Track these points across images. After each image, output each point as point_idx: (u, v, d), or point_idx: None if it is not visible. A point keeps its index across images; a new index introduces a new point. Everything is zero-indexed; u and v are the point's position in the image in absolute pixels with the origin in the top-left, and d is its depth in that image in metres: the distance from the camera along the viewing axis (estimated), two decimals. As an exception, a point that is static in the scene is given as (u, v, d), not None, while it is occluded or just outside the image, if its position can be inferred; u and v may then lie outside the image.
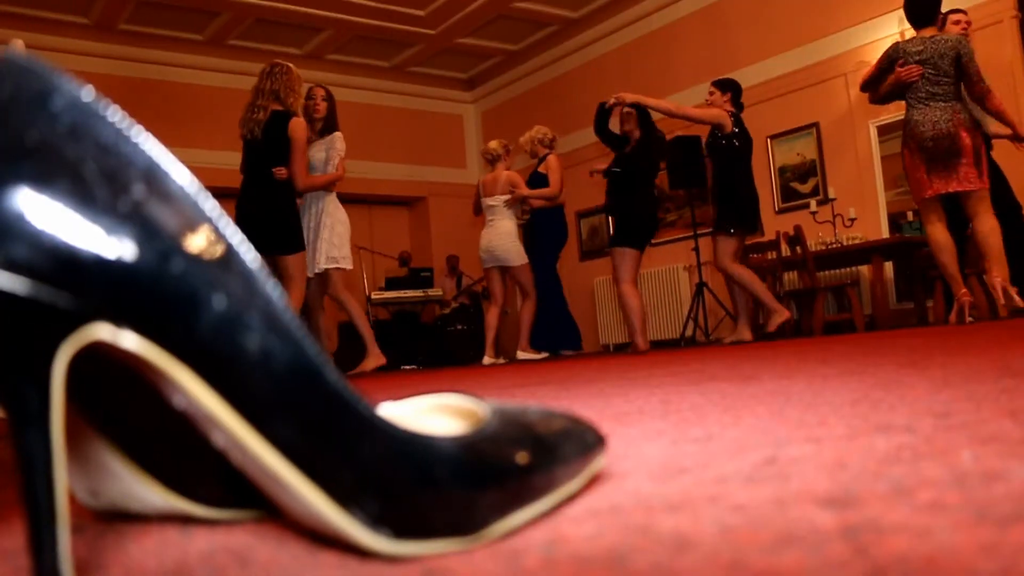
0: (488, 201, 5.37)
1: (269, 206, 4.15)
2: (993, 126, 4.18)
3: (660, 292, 7.71)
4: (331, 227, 4.39)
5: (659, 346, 7.34)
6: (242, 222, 4.28)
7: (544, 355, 5.38)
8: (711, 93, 4.91)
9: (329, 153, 4.40)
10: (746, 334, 4.75)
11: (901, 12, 6.00)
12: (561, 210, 5.55)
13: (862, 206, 6.33)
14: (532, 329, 5.41)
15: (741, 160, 4.74)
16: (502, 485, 0.35)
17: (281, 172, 4.11)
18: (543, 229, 5.46)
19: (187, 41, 8.10)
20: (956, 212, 4.05)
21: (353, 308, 4.43)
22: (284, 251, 4.11)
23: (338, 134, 4.48)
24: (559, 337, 5.49)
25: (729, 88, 4.90)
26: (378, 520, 0.31)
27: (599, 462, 0.45)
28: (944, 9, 4.33)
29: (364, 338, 4.49)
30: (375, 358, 4.49)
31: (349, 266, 4.45)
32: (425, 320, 8.55)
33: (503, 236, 5.35)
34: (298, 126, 4.11)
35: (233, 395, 0.29)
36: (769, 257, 5.91)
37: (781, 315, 4.66)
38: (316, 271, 4.43)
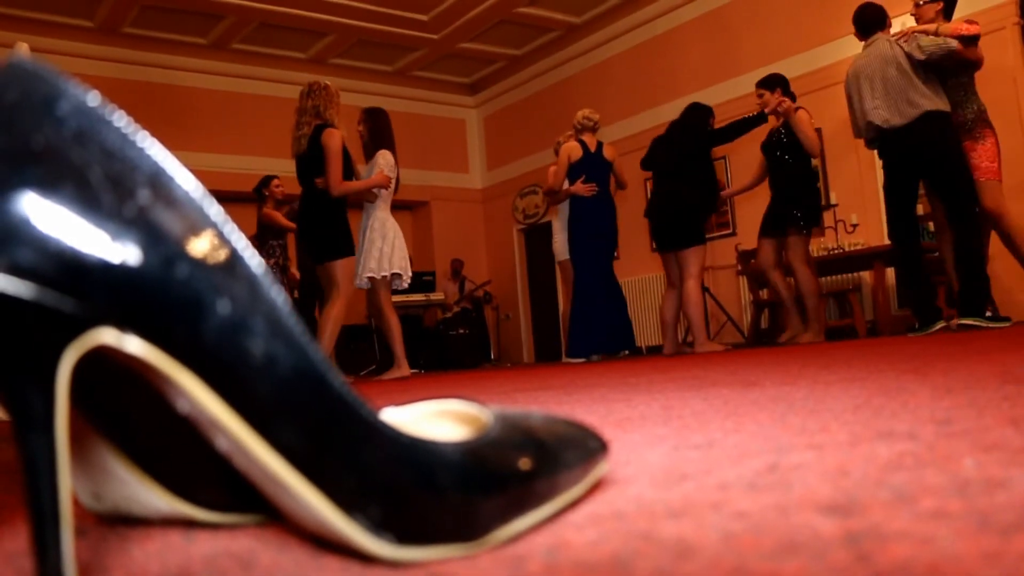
0: None
1: (315, 215, 4.37)
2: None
3: (662, 296, 7.71)
4: (371, 241, 4.50)
5: (660, 350, 7.34)
6: (299, 234, 4.61)
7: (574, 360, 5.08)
8: (760, 95, 4.82)
9: (372, 170, 4.51)
10: (811, 335, 4.63)
11: (903, 18, 6.02)
12: (581, 203, 5.01)
13: (864, 212, 6.33)
14: (570, 331, 5.14)
15: (803, 155, 4.67)
16: (505, 491, 0.35)
17: (320, 181, 4.29)
18: (569, 225, 5.16)
19: (191, 45, 8.12)
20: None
21: (389, 322, 4.54)
22: (328, 257, 4.32)
23: (382, 151, 4.55)
24: (580, 340, 5.04)
25: (778, 84, 4.83)
26: (381, 525, 0.31)
27: (602, 468, 0.45)
28: (957, 13, 4.31)
29: (393, 351, 4.60)
30: (399, 370, 4.58)
31: (383, 274, 4.48)
32: (427, 324, 8.56)
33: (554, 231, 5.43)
34: (330, 135, 4.26)
35: (237, 400, 0.29)
36: (771, 263, 5.91)
37: (815, 335, 4.59)
38: (358, 285, 4.57)
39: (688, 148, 4.86)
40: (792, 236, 4.63)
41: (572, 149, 5.02)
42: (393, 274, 4.52)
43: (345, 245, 4.34)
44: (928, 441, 0.53)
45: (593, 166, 5.00)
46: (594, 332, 5.00)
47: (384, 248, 4.51)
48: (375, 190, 4.49)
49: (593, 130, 5.10)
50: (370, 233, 4.54)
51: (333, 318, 4.38)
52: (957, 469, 0.42)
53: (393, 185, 4.57)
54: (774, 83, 4.84)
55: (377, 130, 4.62)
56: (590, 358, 5.01)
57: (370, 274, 4.49)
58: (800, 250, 4.63)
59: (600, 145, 5.07)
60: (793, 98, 4.83)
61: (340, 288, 4.35)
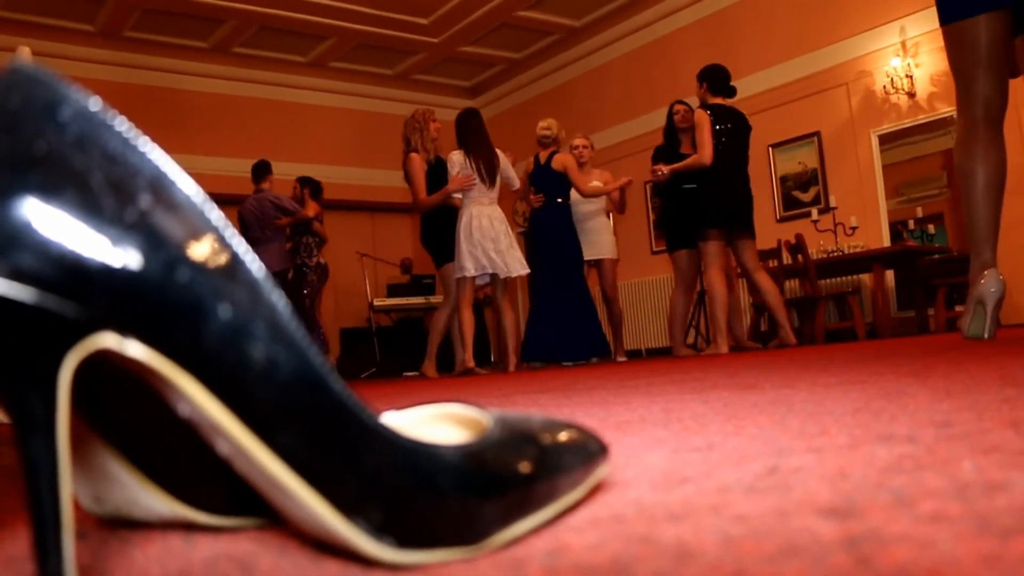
0: None
1: (423, 229, 5.02)
2: None
3: (661, 300, 7.71)
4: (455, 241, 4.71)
5: (660, 354, 7.34)
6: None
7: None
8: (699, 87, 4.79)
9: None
10: (713, 347, 4.57)
11: (902, 22, 6.03)
12: (533, 213, 5.29)
13: (863, 215, 6.33)
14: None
15: (720, 154, 4.52)
16: (505, 494, 0.35)
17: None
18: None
19: (192, 48, 8.13)
20: None
21: (458, 319, 4.76)
22: (436, 265, 4.99)
23: (450, 155, 4.75)
24: (528, 345, 5.20)
25: (704, 78, 4.72)
26: (381, 529, 0.31)
27: (602, 471, 0.45)
28: None
29: (429, 345, 4.88)
30: (430, 368, 4.86)
31: (460, 274, 4.66)
32: (428, 327, 8.55)
33: None
34: (408, 161, 4.78)
35: (237, 404, 0.29)
36: (771, 265, 5.92)
37: (718, 350, 4.50)
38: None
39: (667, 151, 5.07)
40: (699, 244, 4.63)
41: (530, 163, 5.32)
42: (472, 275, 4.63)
43: (443, 254, 4.79)
44: (928, 444, 0.53)
45: (539, 178, 5.21)
46: (540, 338, 5.11)
47: (458, 244, 4.66)
48: (457, 194, 4.71)
49: (543, 144, 5.24)
50: (456, 233, 4.73)
51: (440, 321, 4.77)
52: (957, 472, 0.42)
53: (478, 179, 4.64)
54: (701, 78, 4.75)
55: (459, 135, 4.79)
56: (532, 363, 5.14)
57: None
58: (706, 258, 4.56)
59: (551, 156, 5.17)
60: (727, 93, 4.69)
61: (446, 293, 4.86)
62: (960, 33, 2.22)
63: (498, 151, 4.79)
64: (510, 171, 4.85)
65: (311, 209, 6.13)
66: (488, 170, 4.66)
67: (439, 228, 4.81)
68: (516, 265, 4.68)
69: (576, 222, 5.25)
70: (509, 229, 4.75)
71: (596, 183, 5.26)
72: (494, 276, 4.66)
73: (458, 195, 4.71)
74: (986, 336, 2.21)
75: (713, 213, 4.49)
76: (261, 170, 6.16)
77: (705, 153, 4.46)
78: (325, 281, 6.44)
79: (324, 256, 6.39)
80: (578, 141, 5.48)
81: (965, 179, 2.23)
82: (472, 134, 4.72)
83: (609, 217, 5.68)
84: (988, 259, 2.21)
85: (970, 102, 2.23)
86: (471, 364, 4.69)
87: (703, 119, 4.50)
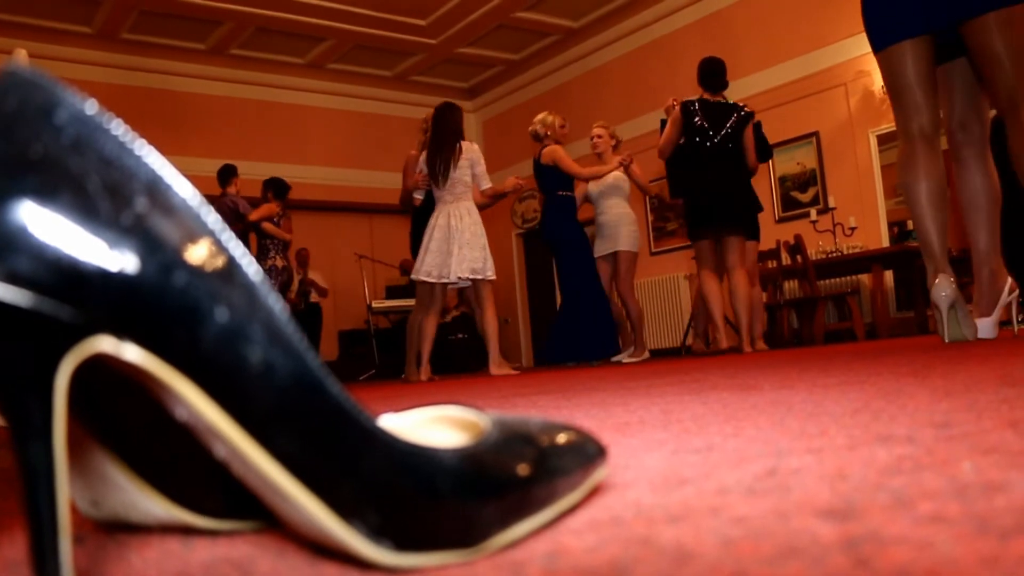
0: None
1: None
2: None
3: (661, 301, 7.71)
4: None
5: (660, 355, 7.34)
6: None
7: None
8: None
9: None
10: (722, 343, 4.56)
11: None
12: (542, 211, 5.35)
13: (862, 215, 6.34)
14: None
15: (692, 156, 4.54)
16: (503, 497, 0.35)
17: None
18: None
19: (189, 50, 8.13)
20: None
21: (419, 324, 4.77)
22: None
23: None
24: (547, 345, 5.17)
25: (697, 72, 4.75)
26: (379, 532, 0.31)
27: (600, 473, 0.45)
28: None
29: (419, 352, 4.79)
30: (413, 373, 4.83)
31: (416, 277, 4.54)
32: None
33: None
34: (407, 158, 4.89)
35: (235, 407, 0.29)
36: (770, 266, 5.92)
37: (719, 343, 4.49)
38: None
39: None
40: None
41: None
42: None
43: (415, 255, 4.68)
44: (927, 444, 0.53)
45: (537, 175, 5.18)
46: (557, 338, 5.08)
47: (426, 244, 4.45)
48: (416, 194, 4.78)
49: (533, 139, 5.20)
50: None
51: (414, 324, 4.64)
52: (956, 473, 0.42)
53: (432, 181, 4.46)
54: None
55: (436, 127, 4.56)
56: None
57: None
58: (697, 257, 4.64)
59: (541, 151, 5.11)
60: (716, 87, 4.69)
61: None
62: (889, 59, 2.37)
63: (464, 144, 4.43)
64: (478, 167, 4.44)
65: (258, 211, 6.07)
66: (443, 166, 4.40)
67: (417, 230, 4.76)
68: (457, 268, 4.33)
69: (596, 215, 5.22)
70: (476, 227, 4.38)
71: (596, 168, 5.17)
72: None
73: (418, 195, 4.71)
74: (946, 340, 2.26)
75: (695, 212, 4.53)
76: (225, 174, 6.12)
77: (660, 143, 4.67)
78: (285, 285, 6.29)
79: (285, 259, 6.25)
80: (595, 131, 5.37)
81: (909, 194, 2.37)
82: (433, 129, 4.50)
83: (642, 207, 5.62)
84: (940, 266, 2.30)
85: (906, 122, 2.37)
86: (426, 376, 4.57)
87: (675, 113, 4.65)
